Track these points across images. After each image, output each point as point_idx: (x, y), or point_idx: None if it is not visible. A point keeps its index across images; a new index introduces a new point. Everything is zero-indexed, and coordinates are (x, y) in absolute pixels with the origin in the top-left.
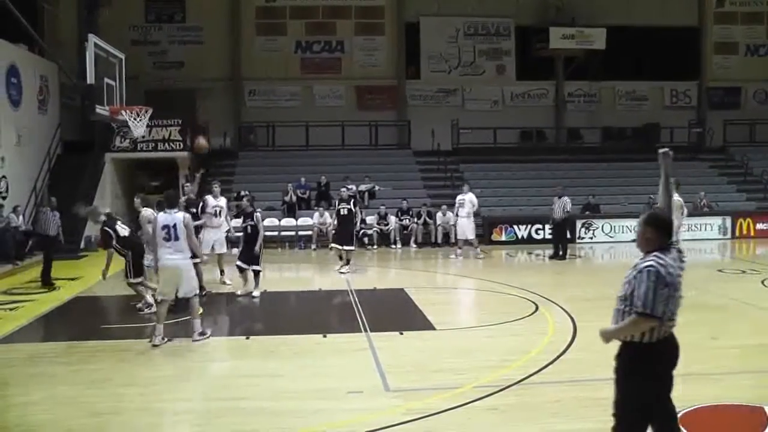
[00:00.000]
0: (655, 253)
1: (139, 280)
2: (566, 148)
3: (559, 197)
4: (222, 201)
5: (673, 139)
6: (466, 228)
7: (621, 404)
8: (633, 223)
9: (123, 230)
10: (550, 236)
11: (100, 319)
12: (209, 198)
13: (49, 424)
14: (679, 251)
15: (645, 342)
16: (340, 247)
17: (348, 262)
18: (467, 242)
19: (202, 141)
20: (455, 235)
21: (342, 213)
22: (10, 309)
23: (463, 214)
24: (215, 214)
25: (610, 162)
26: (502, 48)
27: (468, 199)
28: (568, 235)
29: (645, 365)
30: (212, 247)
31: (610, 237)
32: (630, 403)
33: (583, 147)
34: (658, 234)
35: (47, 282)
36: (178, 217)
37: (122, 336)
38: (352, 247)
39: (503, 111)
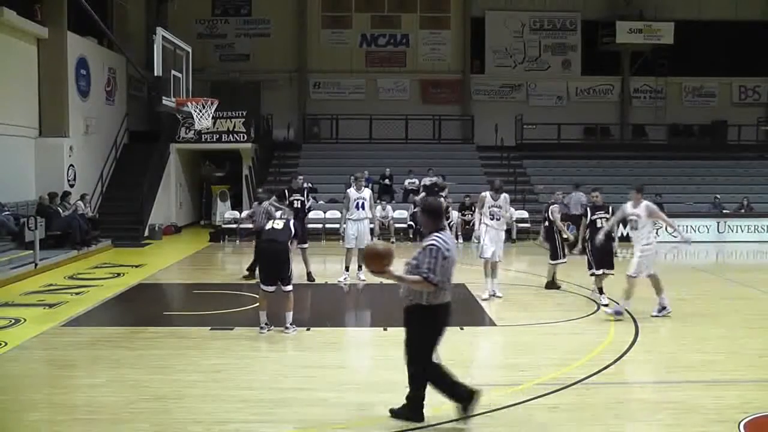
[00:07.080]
0: (435, 234)
1: None
2: (631, 144)
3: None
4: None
5: (740, 137)
6: None
7: (414, 348)
8: (698, 222)
9: None
10: None
11: (162, 306)
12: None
13: (114, 405)
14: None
15: (430, 304)
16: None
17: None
18: None
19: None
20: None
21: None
22: (76, 293)
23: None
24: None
25: (675, 160)
26: (568, 43)
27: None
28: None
29: (430, 321)
30: None
31: (674, 237)
32: (420, 348)
33: (648, 144)
34: (430, 219)
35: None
36: None
37: (183, 323)
38: None
39: (568, 106)
